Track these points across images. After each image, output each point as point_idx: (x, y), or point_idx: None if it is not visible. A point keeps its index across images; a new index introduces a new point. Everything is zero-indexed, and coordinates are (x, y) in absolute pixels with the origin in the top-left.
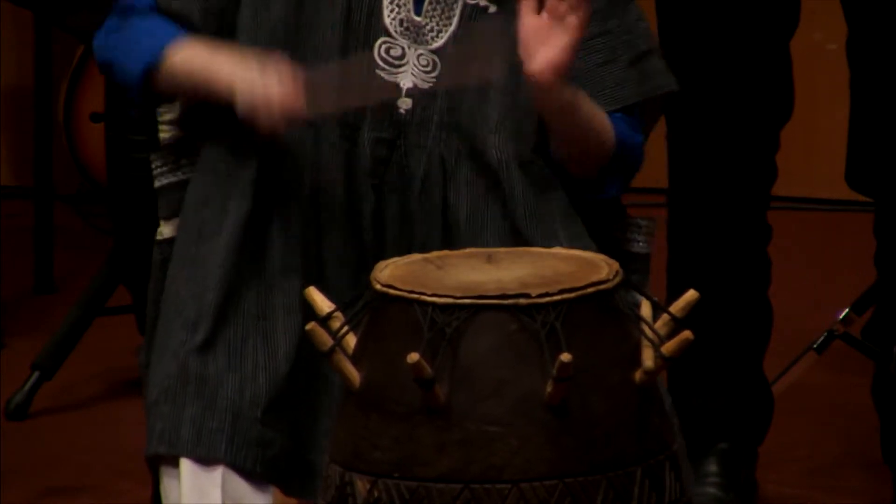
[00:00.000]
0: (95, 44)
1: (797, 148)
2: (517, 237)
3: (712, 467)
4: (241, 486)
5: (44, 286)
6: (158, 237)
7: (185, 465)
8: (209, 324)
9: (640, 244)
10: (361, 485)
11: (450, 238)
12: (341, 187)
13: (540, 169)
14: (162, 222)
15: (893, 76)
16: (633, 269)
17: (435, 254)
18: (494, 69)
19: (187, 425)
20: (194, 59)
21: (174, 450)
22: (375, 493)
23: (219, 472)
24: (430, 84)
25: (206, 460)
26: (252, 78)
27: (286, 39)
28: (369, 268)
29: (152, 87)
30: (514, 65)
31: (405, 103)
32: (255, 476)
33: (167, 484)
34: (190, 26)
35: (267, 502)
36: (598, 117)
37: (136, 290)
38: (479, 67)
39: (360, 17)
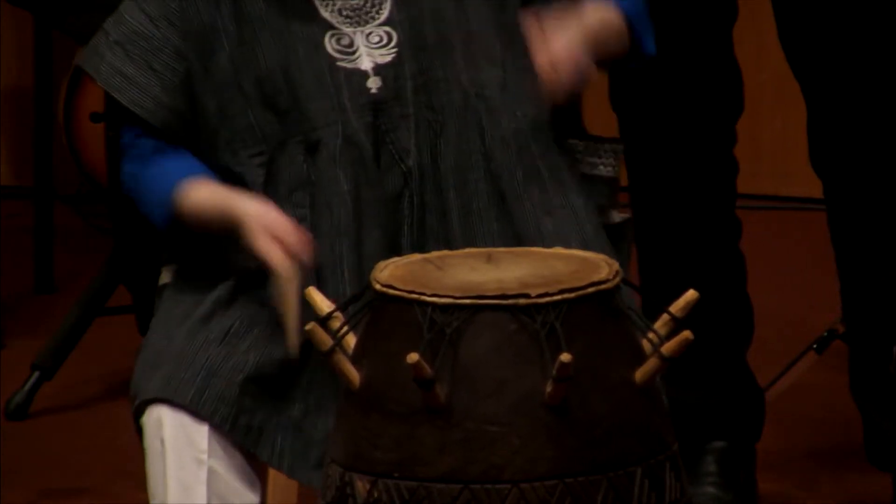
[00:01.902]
0: (122, 183)
1: (797, 148)
2: (492, 163)
3: (711, 467)
4: (227, 484)
5: (44, 286)
6: (161, 283)
7: (169, 433)
8: (205, 308)
9: (605, 167)
10: (361, 485)
11: (441, 189)
12: (347, 182)
13: (519, 86)
14: (165, 269)
15: (827, 66)
16: (600, 193)
17: (435, 254)
18: None
19: (160, 377)
20: (204, 202)
21: (143, 394)
22: (375, 493)
23: (204, 470)
24: (392, 56)
25: (175, 406)
26: (263, 211)
27: (236, 76)
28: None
29: (180, 227)
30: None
31: (375, 82)
32: (228, 435)
33: (148, 430)
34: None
35: (255, 500)
36: (608, 25)
37: (136, 290)
38: None
39: (299, 26)
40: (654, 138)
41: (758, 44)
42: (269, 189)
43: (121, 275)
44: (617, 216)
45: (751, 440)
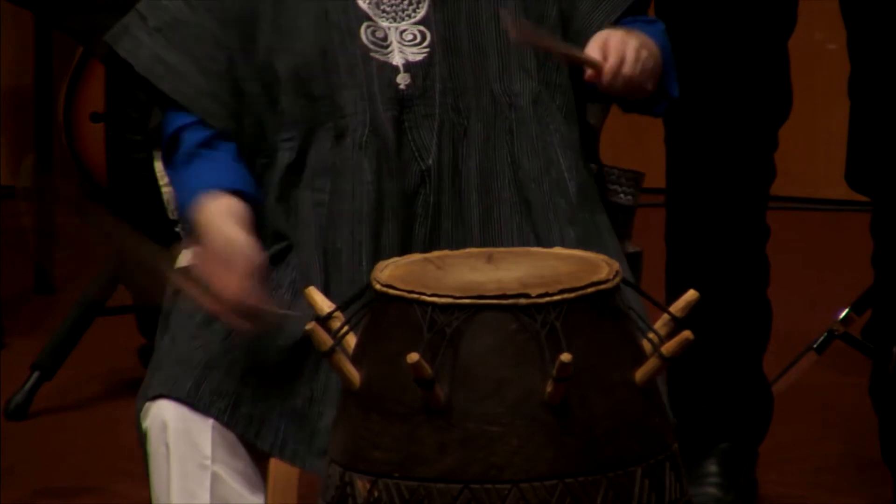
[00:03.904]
0: (163, 166)
1: (797, 148)
2: (519, 172)
3: (712, 467)
4: (231, 488)
5: (44, 286)
6: (177, 265)
7: (173, 439)
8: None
9: (625, 196)
10: (361, 485)
11: (460, 193)
12: (369, 171)
13: (551, 101)
14: (185, 251)
15: (892, 77)
16: (617, 220)
17: (435, 254)
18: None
19: (161, 375)
20: (200, 222)
21: (146, 394)
22: (375, 493)
23: (208, 475)
24: (423, 55)
25: (174, 400)
26: (206, 265)
27: (268, 57)
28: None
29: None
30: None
31: (404, 79)
32: (227, 426)
33: (152, 435)
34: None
35: (258, 502)
36: (652, 55)
37: (136, 290)
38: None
39: (336, 15)
40: (698, 139)
41: None
42: (294, 171)
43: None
44: (629, 247)
45: (755, 442)
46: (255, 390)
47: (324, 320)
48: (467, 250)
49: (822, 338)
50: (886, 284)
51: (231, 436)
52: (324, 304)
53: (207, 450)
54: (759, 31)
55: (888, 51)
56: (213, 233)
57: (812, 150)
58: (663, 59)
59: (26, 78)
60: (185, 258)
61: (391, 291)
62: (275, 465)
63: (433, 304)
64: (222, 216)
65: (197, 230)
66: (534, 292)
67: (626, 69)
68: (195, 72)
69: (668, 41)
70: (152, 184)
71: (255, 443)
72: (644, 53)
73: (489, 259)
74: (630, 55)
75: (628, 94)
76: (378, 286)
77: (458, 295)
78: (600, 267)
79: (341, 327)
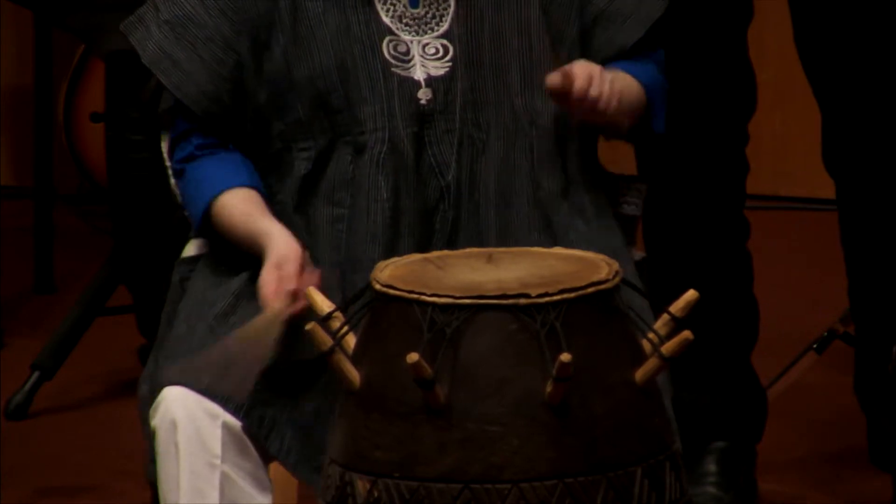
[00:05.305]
0: (172, 171)
1: (797, 148)
2: (539, 191)
3: (711, 467)
4: (240, 489)
5: (44, 286)
6: (183, 255)
7: (182, 438)
8: (227, 300)
9: (631, 206)
10: (361, 485)
11: (478, 208)
12: (388, 188)
13: (571, 120)
14: (191, 241)
15: (843, 68)
16: (623, 230)
17: (435, 254)
18: None
19: (174, 368)
20: (232, 215)
21: (157, 383)
22: (375, 493)
23: (217, 474)
24: (446, 70)
25: (191, 391)
26: (286, 246)
27: (288, 70)
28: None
29: (212, 232)
30: (527, 27)
31: (425, 94)
32: (240, 417)
33: (161, 434)
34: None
35: (266, 502)
36: (629, 90)
37: (136, 290)
38: None
39: (358, 27)
40: (667, 136)
41: (758, 44)
42: (310, 182)
43: (121, 275)
44: (636, 254)
45: (752, 441)
46: (269, 393)
47: (324, 320)
48: (467, 250)
49: (822, 338)
50: (863, 286)
51: (241, 436)
52: (324, 304)
53: (217, 449)
54: (715, 24)
55: (834, 41)
56: (275, 239)
57: (812, 150)
58: (649, 94)
59: (26, 78)
60: (192, 248)
61: (391, 291)
62: (276, 464)
63: (433, 304)
64: (264, 214)
65: (234, 229)
66: (534, 292)
67: (596, 101)
68: (200, 71)
69: (660, 75)
70: (152, 184)
71: (264, 444)
72: (618, 84)
73: (489, 259)
74: (600, 80)
75: (602, 122)
76: (378, 286)
77: (458, 295)
78: (600, 267)
79: (341, 327)
